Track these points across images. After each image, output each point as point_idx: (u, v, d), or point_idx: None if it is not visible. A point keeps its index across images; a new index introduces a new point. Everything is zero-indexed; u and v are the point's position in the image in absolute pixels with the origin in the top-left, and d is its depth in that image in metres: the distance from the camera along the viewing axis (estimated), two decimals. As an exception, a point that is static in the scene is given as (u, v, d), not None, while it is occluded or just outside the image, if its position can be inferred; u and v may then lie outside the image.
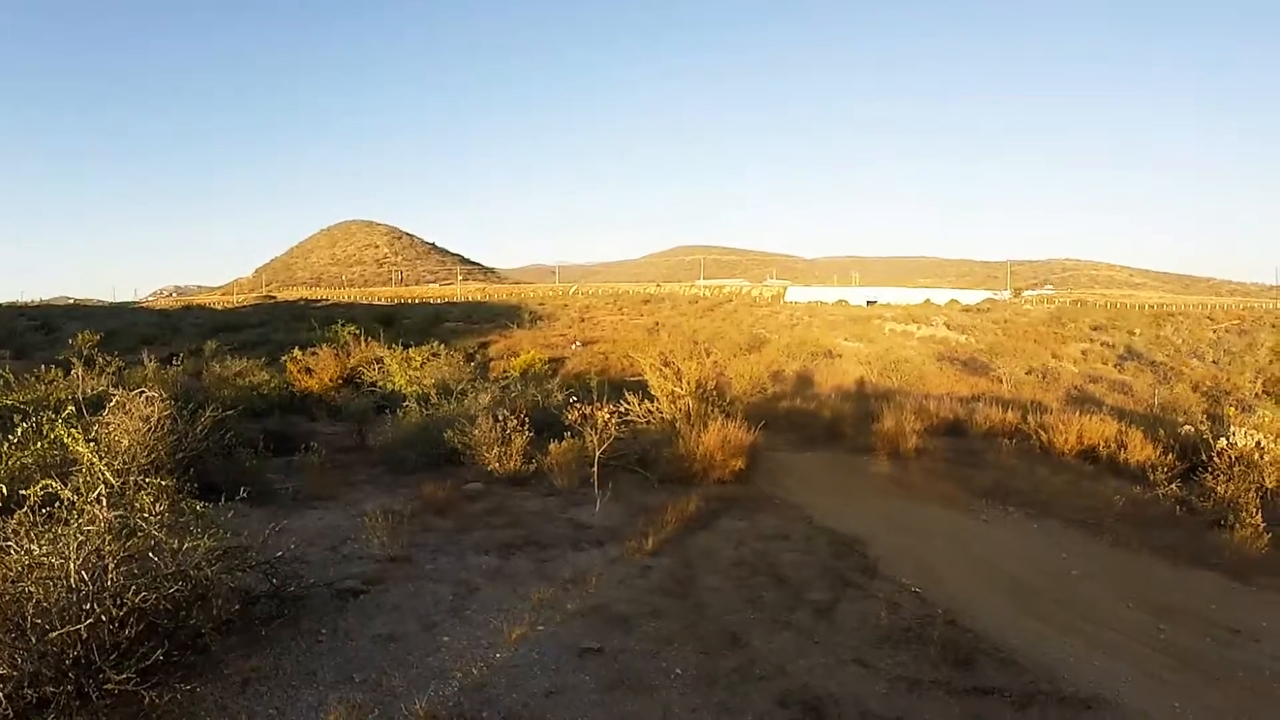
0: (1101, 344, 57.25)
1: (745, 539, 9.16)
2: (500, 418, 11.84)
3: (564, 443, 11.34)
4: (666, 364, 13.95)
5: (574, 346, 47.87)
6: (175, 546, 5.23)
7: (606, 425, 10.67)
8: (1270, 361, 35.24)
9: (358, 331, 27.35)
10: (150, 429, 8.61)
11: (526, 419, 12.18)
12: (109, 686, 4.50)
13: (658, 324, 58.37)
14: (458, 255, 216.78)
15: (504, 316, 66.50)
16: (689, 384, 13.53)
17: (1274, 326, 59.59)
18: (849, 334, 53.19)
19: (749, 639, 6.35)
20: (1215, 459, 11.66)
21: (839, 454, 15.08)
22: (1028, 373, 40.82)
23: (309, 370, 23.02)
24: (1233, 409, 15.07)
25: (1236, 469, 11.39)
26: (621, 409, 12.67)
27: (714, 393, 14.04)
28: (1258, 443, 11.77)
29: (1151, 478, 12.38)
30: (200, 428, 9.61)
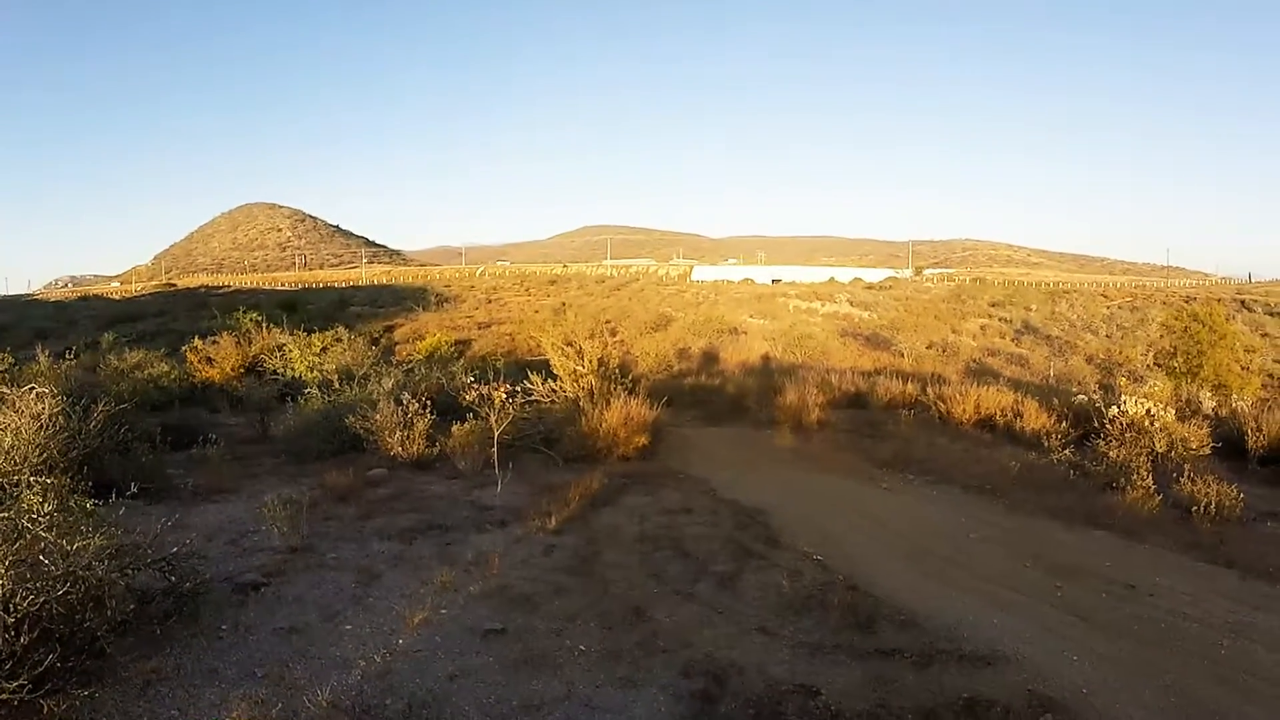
0: (999, 320, 59.21)
1: (649, 514, 9.27)
2: (403, 402, 11.74)
3: (466, 425, 11.29)
4: (569, 343, 13.96)
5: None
6: (65, 547, 5.09)
7: (505, 405, 10.64)
8: (1161, 336, 36.57)
9: (260, 319, 26.76)
10: (41, 427, 8.35)
11: (430, 402, 12.09)
12: (2, 697, 4.38)
13: (564, 304, 58.14)
14: (363, 238, 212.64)
15: (410, 299, 65.87)
16: (590, 363, 13.56)
17: (1164, 303, 61.82)
18: (754, 311, 53.79)
19: (652, 613, 6.44)
20: (1107, 426, 12.17)
21: (743, 428, 15.30)
22: (928, 347, 41.76)
23: (210, 360, 22.44)
24: (1124, 379, 15.69)
25: (1128, 435, 11.92)
26: (524, 389, 12.64)
27: (617, 371, 14.09)
28: (1148, 410, 12.34)
29: (1047, 444, 12.94)
30: (94, 424, 9.35)
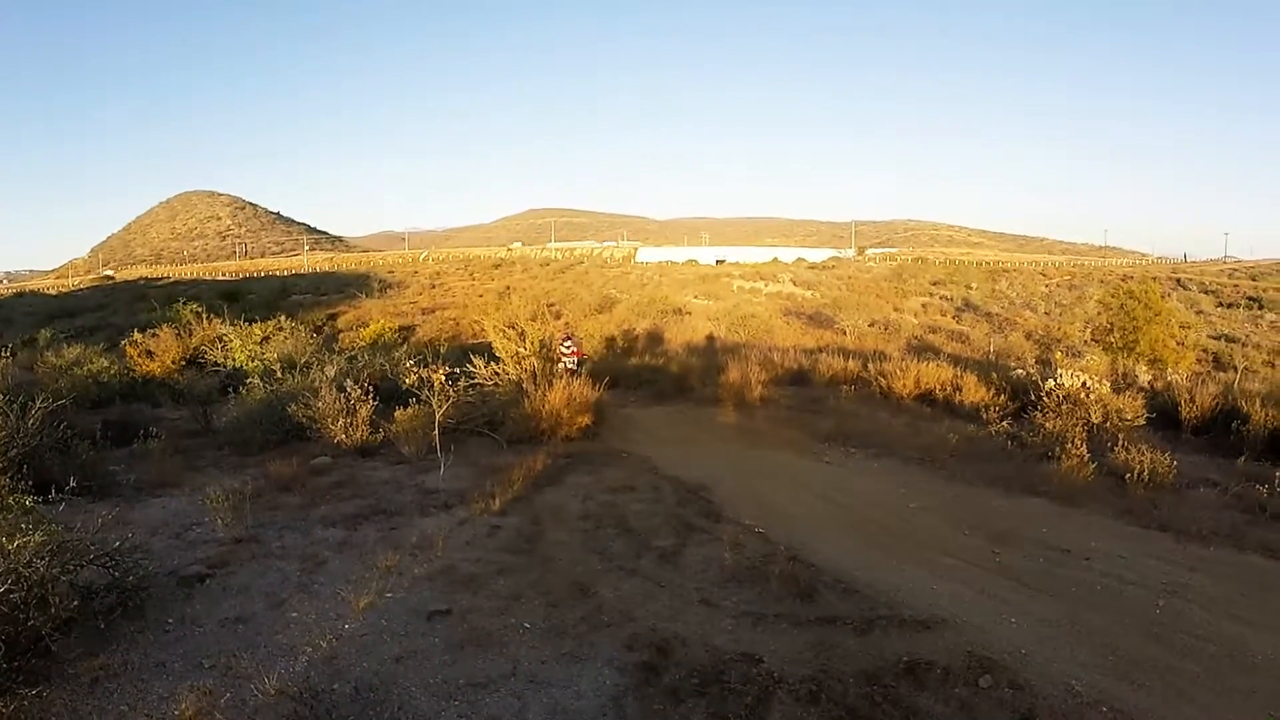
0: (940, 298, 60.13)
1: (592, 493, 9.35)
2: (346, 389, 11.70)
3: (410, 410, 11.27)
4: (511, 326, 13.97)
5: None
6: (5, 546, 5.06)
7: (445, 388, 10.65)
8: (1098, 313, 37.41)
9: (200, 310, 26.33)
10: (-24, 427, 8.25)
11: (373, 389, 12.05)
12: (-51, 699, 4.36)
13: (509, 288, 57.97)
14: (304, 225, 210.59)
15: (353, 286, 65.25)
16: (533, 344, 13.59)
17: (1102, 282, 63.30)
18: (698, 292, 53.94)
19: (596, 589, 6.53)
20: (1044, 398, 12.47)
21: (686, 407, 15.42)
22: (870, 325, 42.12)
23: (150, 354, 22.06)
24: (1062, 354, 16.02)
25: (1064, 407, 12.23)
26: (467, 372, 12.64)
27: (560, 352, 14.18)
28: (1084, 383, 12.60)
29: (985, 417, 13.18)
30: (32, 422, 9.21)
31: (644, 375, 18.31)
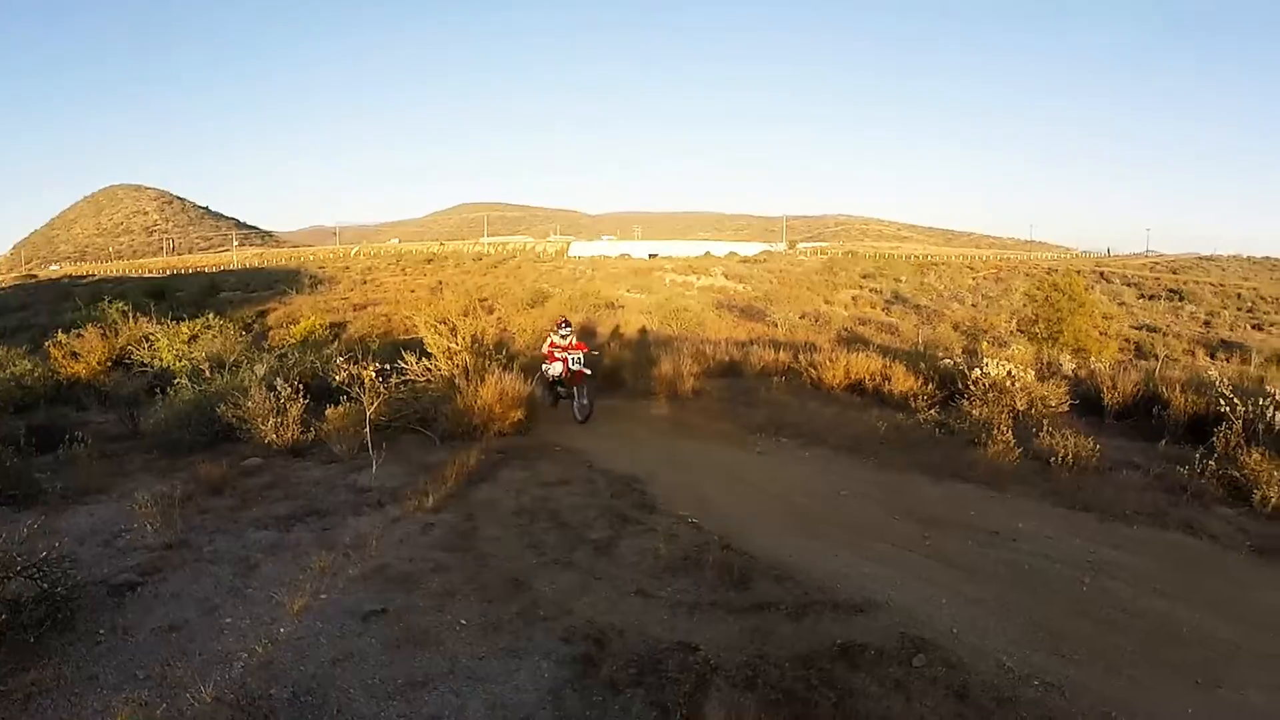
0: (870, 290, 61.11)
1: (526, 487, 9.36)
2: (276, 388, 11.55)
3: (341, 408, 11.18)
4: (443, 321, 13.88)
5: None
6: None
7: (375, 384, 10.57)
8: (1023, 304, 38.18)
9: (127, 308, 25.71)
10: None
11: (304, 387, 11.89)
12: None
13: (441, 283, 57.64)
14: (233, 219, 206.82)
15: (283, 282, 64.04)
16: (465, 340, 13.50)
17: (1028, 275, 64.64)
18: (631, 286, 53.98)
19: (532, 583, 6.56)
20: (971, 387, 12.81)
21: (619, 400, 15.44)
22: (801, 317, 42.56)
23: (75, 355, 21.55)
24: (988, 344, 16.37)
25: (991, 395, 12.59)
26: (398, 368, 12.55)
27: (492, 347, 14.07)
28: (1010, 372, 12.94)
29: (914, 405, 13.47)
30: (-51, 430, 8.98)
31: (577, 369, 18.29)
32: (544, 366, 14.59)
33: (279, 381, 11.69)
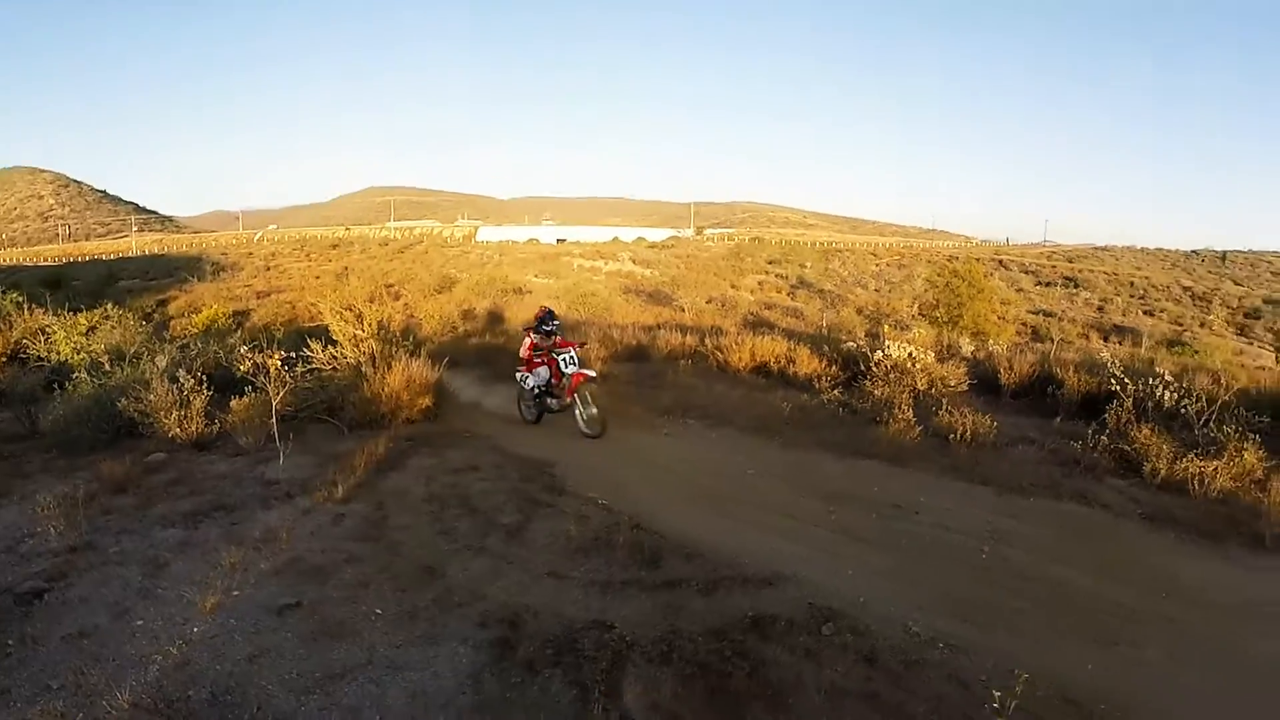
0: (776, 276, 61.89)
1: (436, 474, 9.32)
2: (179, 380, 11.30)
3: (246, 399, 10.97)
4: (348, 308, 13.70)
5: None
6: None
7: (282, 374, 10.42)
8: (925, 290, 39.23)
9: (21, 299, 24.77)
10: None
11: (208, 378, 11.62)
12: None
13: (346, 269, 56.65)
14: (133, 204, 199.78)
15: (184, 270, 62.08)
16: (370, 326, 13.33)
17: (929, 262, 66.23)
18: (539, 271, 53.74)
19: (445, 570, 6.60)
20: (873, 368, 13.17)
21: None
22: (708, 302, 42.72)
23: (-34, 352, 20.77)
24: (890, 328, 16.77)
25: (892, 375, 12.95)
26: (304, 357, 12.38)
27: (398, 334, 13.91)
28: (910, 354, 13.31)
29: (818, 387, 13.71)
30: None
31: (485, 354, 18.14)
32: (520, 376, 12.79)
33: (181, 373, 11.39)
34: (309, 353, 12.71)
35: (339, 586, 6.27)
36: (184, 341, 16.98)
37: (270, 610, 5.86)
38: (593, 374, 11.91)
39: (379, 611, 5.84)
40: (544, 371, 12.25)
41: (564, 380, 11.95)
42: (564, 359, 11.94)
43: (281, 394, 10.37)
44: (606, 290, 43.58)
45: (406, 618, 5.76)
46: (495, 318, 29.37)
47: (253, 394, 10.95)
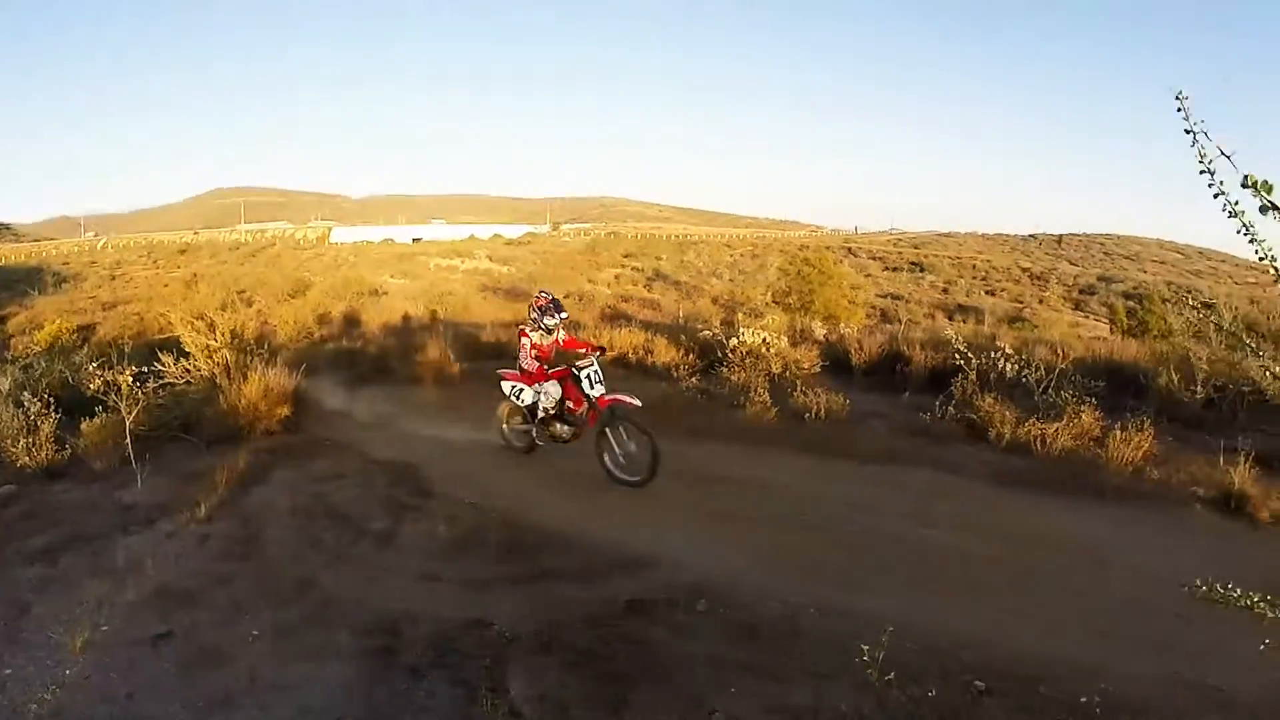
0: (633, 269, 62.56)
1: (301, 485, 9.20)
2: (24, 404, 10.77)
3: (98, 420, 10.53)
4: (199, 317, 13.32)
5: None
6: None
7: (134, 390, 10.02)
8: (778, 278, 40.16)
9: None
10: None
11: (54, 400, 11.09)
12: None
13: (196, 275, 54.68)
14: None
15: (24, 283, 58.47)
16: (223, 336, 12.96)
17: (781, 251, 67.34)
18: (395, 271, 53.06)
19: (319, 582, 6.56)
20: (730, 355, 13.54)
21: (387, 387, 15.14)
22: (565, 296, 42.63)
23: None
24: (744, 316, 17.26)
25: (748, 361, 13.33)
26: (156, 371, 11.99)
27: (253, 342, 13.56)
28: (765, 340, 13.75)
29: (676, 375, 14.06)
30: None
31: (343, 359, 17.83)
32: (511, 387, 10.22)
33: (26, 396, 10.89)
34: (161, 367, 12.30)
35: (212, 610, 6.11)
36: (26, 361, 16.16)
37: (143, 643, 5.64)
38: (637, 403, 9.07)
39: (256, 632, 5.74)
40: (555, 389, 9.63)
41: (586, 407, 9.41)
42: (587, 375, 9.21)
43: (135, 412, 9.94)
44: (464, 289, 43.31)
45: (286, 635, 5.70)
46: (352, 321, 28.94)
47: (104, 414, 10.47)
